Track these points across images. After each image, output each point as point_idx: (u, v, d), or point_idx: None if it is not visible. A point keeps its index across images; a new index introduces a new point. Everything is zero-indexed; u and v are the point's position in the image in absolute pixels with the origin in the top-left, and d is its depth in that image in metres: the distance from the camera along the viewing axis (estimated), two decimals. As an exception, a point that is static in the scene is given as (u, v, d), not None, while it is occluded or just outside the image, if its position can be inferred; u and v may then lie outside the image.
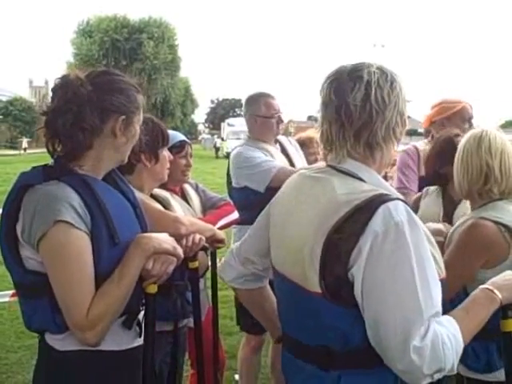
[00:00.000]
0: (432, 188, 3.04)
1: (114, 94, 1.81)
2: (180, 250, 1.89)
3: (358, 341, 1.50)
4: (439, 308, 1.46)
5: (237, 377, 4.36)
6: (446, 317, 1.52)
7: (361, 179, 1.58)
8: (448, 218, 2.80)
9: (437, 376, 1.45)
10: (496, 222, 2.19)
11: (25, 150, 43.26)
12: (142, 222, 1.95)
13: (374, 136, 1.59)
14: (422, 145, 3.68)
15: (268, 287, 1.97)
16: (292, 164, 3.78)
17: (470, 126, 3.49)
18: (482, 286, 1.66)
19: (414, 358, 1.39)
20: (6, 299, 5.11)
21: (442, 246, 2.36)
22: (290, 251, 1.64)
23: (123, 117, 1.83)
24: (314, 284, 1.52)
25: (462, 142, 2.36)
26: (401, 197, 1.58)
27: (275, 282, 1.78)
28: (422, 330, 1.41)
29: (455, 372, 1.51)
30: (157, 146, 2.52)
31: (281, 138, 4.00)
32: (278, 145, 3.91)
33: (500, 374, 1.89)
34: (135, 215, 1.92)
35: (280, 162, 3.69)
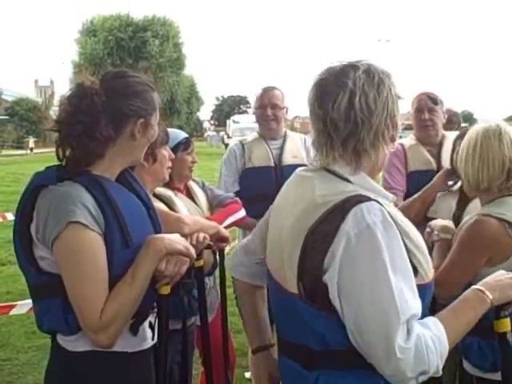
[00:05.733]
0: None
1: (130, 98, 1.81)
2: (192, 250, 1.88)
3: (336, 343, 1.50)
4: (416, 310, 1.44)
5: (247, 375, 4.37)
6: (432, 318, 1.51)
7: (347, 180, 1.56)
8: (459, 212, 2.76)
9: (421, 378, 1.45)
10: (499, 219, 2.16)
11: (31, 149, 43.41)
12: (156, 223, 1.94)
13: (362, 143, 1.55)
14: (409, 140, 3.71)
15: (265, 292, 1.96)
16: (280, 160, 3.79)
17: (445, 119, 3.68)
18: (473, 287, 1.65)
19: (401, 356, 1.39)
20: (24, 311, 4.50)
21: (449, 244, 2.34)
22: (274, 252, 1.67)
23: (142, 120, 1.83)
24: (292, 285, 1.54)
25: (475, 136, 2.27)
26: (388, 197, 1.59)
27: (267, 281, 1.78)
28: (404, 332, 1.40)
29: (440, 374, 1.49)
30: (154, 146, 2.44)
31: (290, 133, 4.00)
32: (281, 140, 3.90)
33: None
34: (148, 216, 1.92)
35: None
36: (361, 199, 1.47)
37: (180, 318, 2.22)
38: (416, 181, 3.45)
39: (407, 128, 3.86)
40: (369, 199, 1.48)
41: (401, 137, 1.83)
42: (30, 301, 4.33)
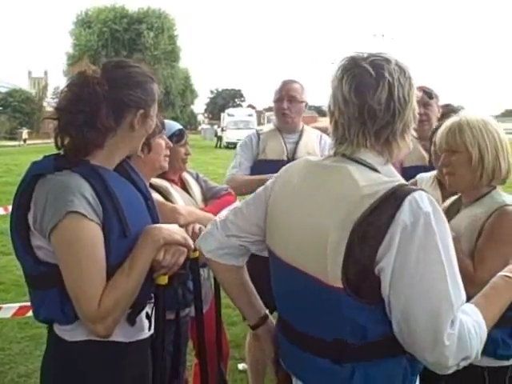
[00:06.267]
0: (426, 175, 2.96)
1: (131, 88, 1.80)
2: (190, 241, 1.87)
3: (376, 335, 1.50)
4: (464, 297, 1.47)
5: (240, 366, 4.39)
6: (469, 305, 1.52)
7: (375, 170, 1.57)
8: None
9: (462, 364, 1.47)
10: None
11: (24, 141, 43.20)
12: (154, 214, 1.94)
13: (394, 134, 1.59)
14: None
15: (245, 268, 1.96)
16: (293, 155, 3.76)
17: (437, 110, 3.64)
18: (500, 273, 1.65)
19: (447, 343, 1.40)
20: (8, 315, 4.51)
21: (457, 241, 2.30)
22: (304, 243, 1.59)
23: (141, 111, 1.82)
24: (334, 278, 1.49)
25: (494, 127, 2.21)
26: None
27: (275, 271, 1.76)
28: (451, 320, 1.42)
29: (479, 359, 1.51)
30: (150, 136, 2.46)
31: (307, 128, 3.98)
32: (297, 134, 3.88)
33: None
34: (147, 207, 1.91)
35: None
36: (410, 189, 1.48)
37: (174, 309, 2.22)
38: (410, 176, 3.43)
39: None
40: (416, 189, 1.49)
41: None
42: (15, 304, 4.44)
